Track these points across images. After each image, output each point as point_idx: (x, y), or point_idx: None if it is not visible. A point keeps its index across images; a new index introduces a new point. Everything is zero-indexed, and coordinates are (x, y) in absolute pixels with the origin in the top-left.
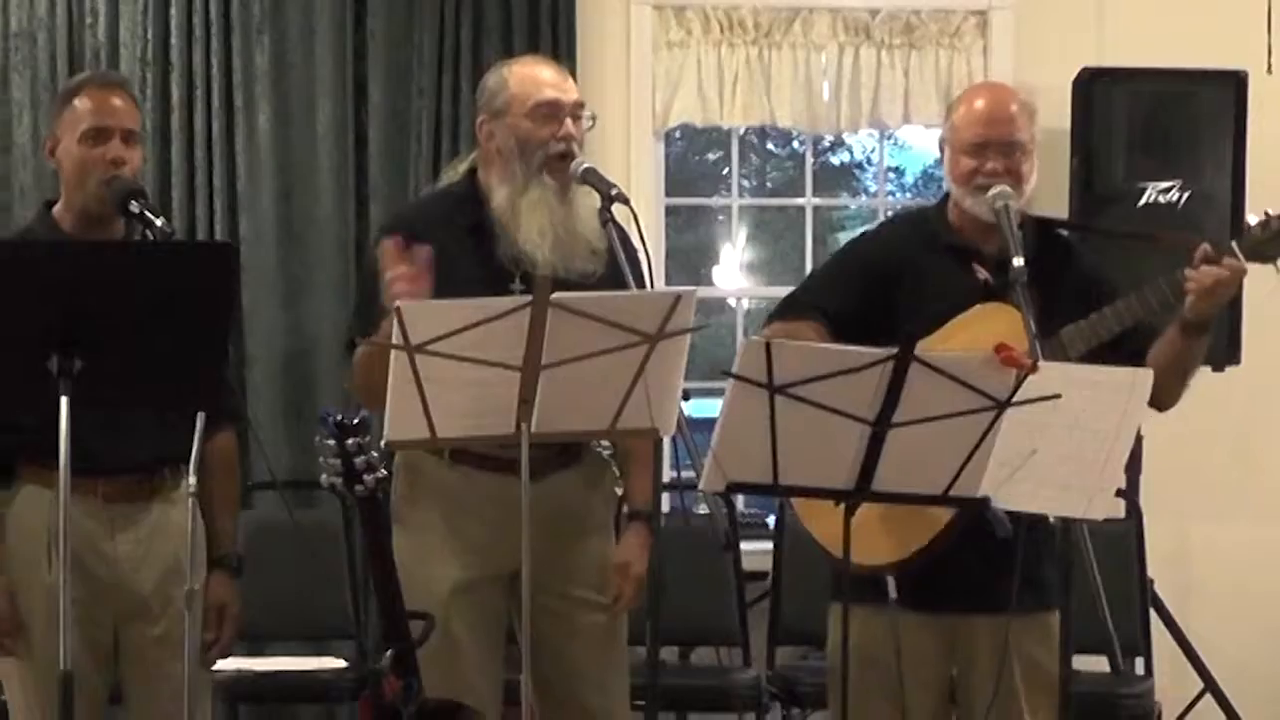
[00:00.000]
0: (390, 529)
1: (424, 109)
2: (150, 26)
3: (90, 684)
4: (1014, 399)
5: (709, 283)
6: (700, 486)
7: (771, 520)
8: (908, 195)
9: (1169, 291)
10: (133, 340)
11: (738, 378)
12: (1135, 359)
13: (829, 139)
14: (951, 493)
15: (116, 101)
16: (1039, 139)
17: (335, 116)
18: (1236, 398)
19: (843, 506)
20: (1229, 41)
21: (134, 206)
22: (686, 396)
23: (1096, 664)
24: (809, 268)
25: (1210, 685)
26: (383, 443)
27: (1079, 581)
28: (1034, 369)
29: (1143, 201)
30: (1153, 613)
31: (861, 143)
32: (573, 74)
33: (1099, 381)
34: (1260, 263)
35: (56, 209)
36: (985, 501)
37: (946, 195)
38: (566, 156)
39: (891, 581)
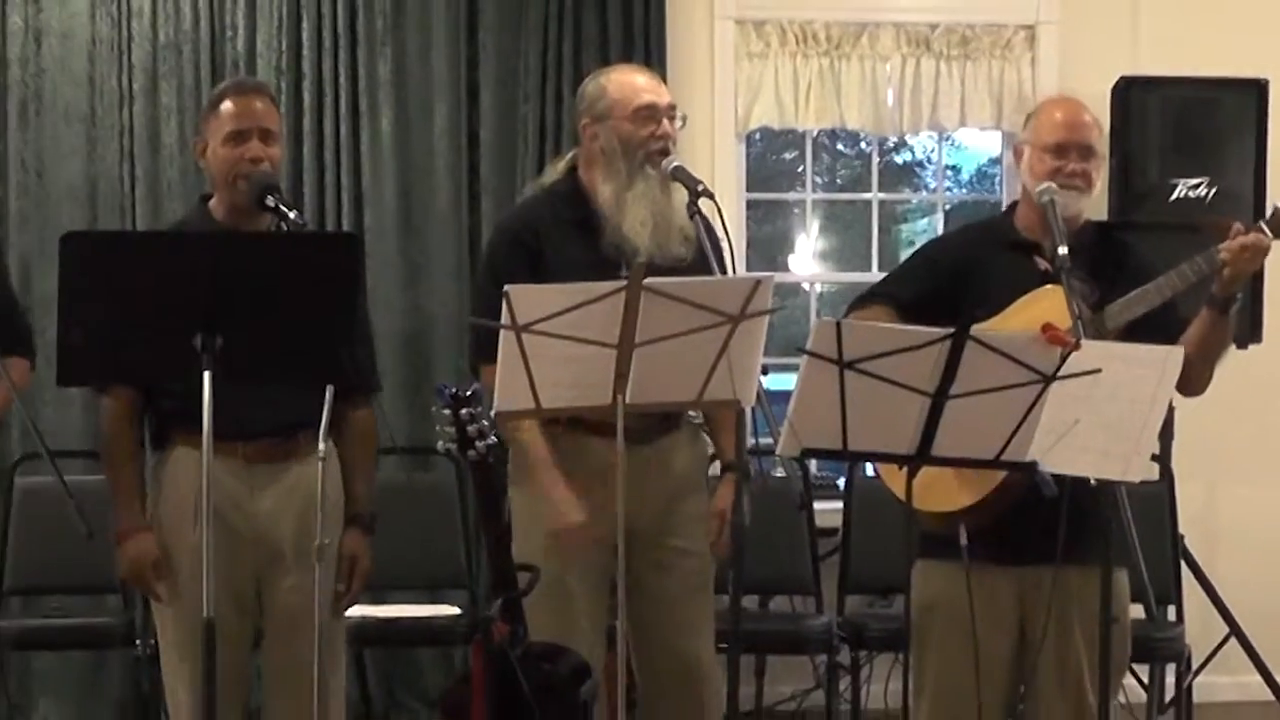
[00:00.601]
0: (500, 490)
1: (530, 112)
2: (284, 39)
3: (234, 630)
4: (1058, 373)
5: (785, 269)
6: (777, 451)
7: (841, 482)
8: (963, 190)
9: (1205, 265)
10: (268, 320)
11: (811, 354)
12: (1168, 341)
13: (893, 140)
14: (1003, 457)
15: (257, 105)
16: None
17: (450, 119)
18: (1258, 372)
19: (906, 470)
20: (1252, 52)
21: (270, 200)
22: (765, 371)
23: (1133, 611)
24: (874, 255)
25: (1234, 630)
26: (492, 413)
27: (1119, 538)
28: (1076, 346)
29: (1174, 196)
30: (1183, 565)
31: (922, 143)
32: (663, 81)
33: (1135, 358)
34: None
35: (211, 203)
36: (1033, 465)
37: (1012, 206)
38: (664, 153)
39: (963, 531)
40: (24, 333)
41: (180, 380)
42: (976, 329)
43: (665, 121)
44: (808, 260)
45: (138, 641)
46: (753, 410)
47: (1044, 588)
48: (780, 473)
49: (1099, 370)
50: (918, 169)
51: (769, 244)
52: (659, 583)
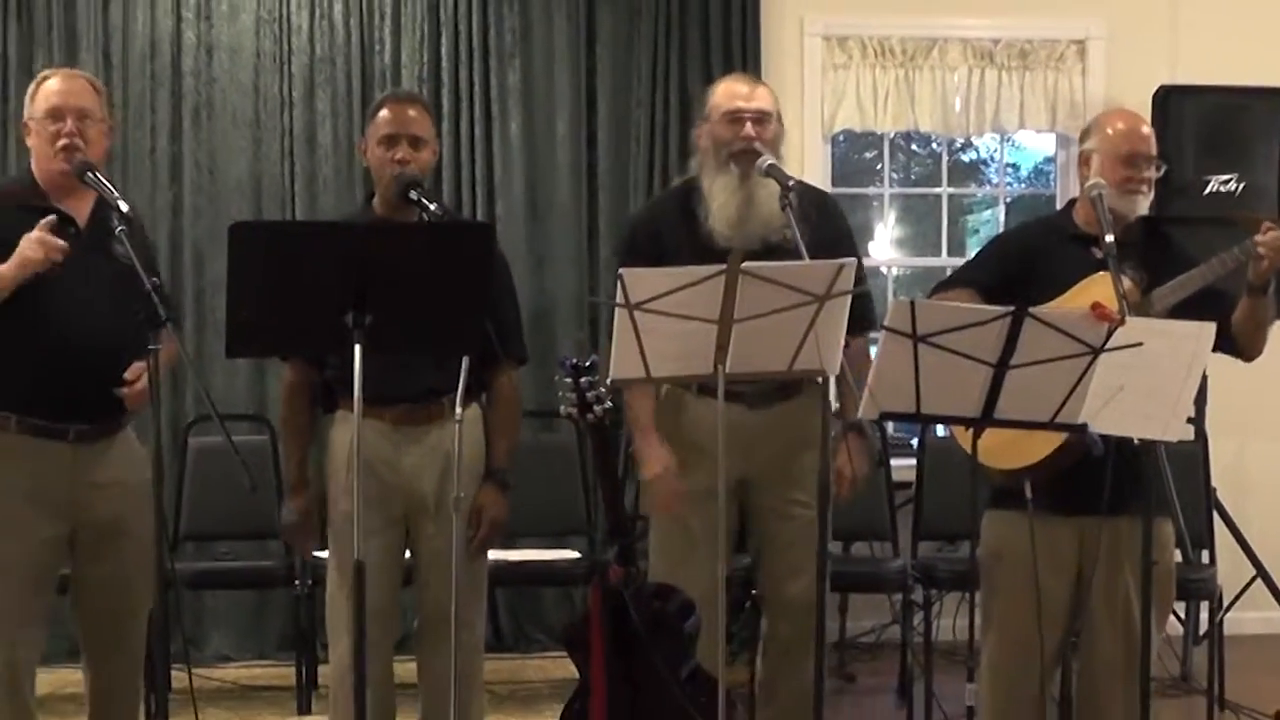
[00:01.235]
0: (614, 449)
1: (641, 117)
2: (425, 52)
3: (385, 570)
4: (1106, 346)
5: (866, 255)
6: (859, 415)
7: (915, 442)
8: (1021, 185)
9: (1240, 254)
10: (412, 300)
11: (888, 329)
12: (1211, 319)
13: (960, 141)
14: (1056, 420)
15: (410, 113)
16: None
17: (571, 123)
18: None
19: (972, 431)
20: (1278, 65)
21: (413, 195)
22: (848, 344)
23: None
24: (944, 243)
25: (1261, 571)
26: (608, 380)
27: (1159, 490)
28: (1122, 322)
29: (1207, 191)
30: (1215, 514)
31: (985, 144)
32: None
33: (1173, 332)
34: None
35: (374, 200)
36: (1083, 427)
37: (1070, 202)
38: (747, 153)
39: (1028, 485)
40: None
41: (334, 352)
42: (1034, 308)
43: (749, 124)
44: (885, 247)
45: (297, 581)
46: (838, 378)
47: (1099, 533)
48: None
49: (1141, 343)
50: (982, 166)
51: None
52: (780, 530)
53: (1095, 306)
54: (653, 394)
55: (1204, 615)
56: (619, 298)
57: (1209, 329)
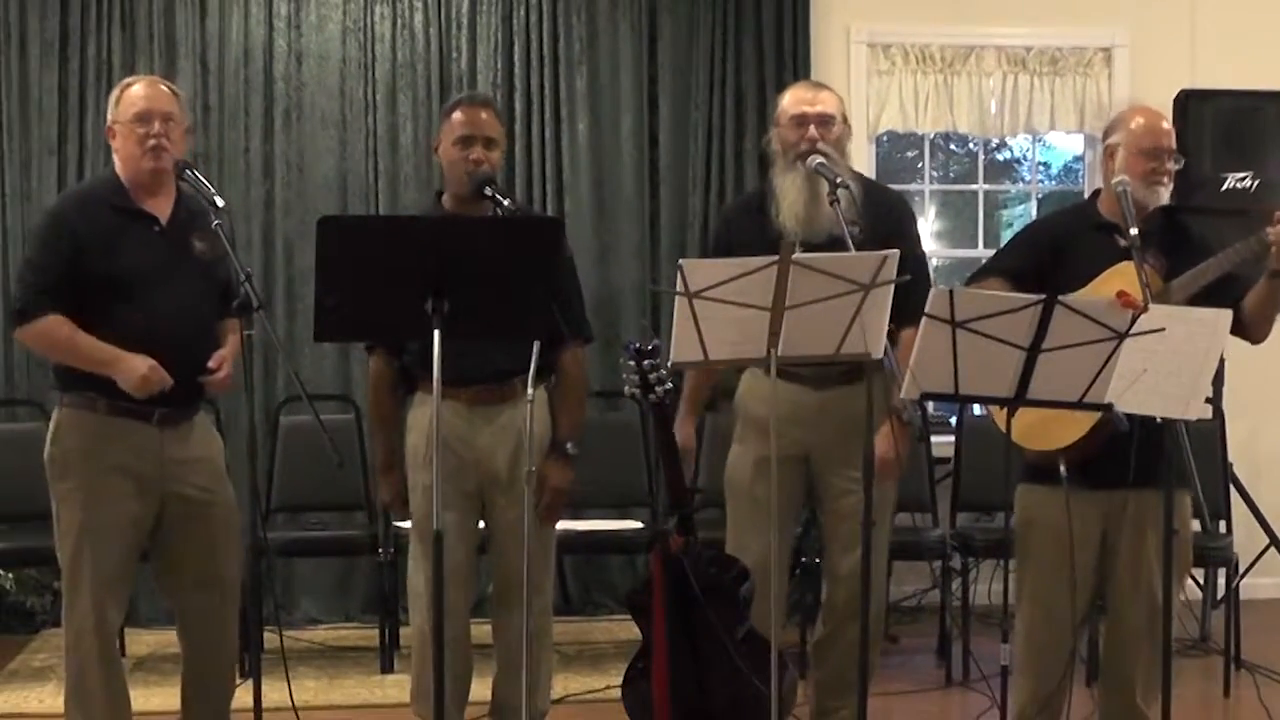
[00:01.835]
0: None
1: (700, 119)
2: (499, 59)
3: (462, 538)
4: (1130, 331)
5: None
6: (901, 394)
7: (953, 420)
8: (1052, 182)
9: (1256, 246)
10: (487, 288)
11: (928, 316)
12: (1224, 305)
13: (995, 141)
14: (1084, 400)
15: (483, 115)
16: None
17: (634, 124)
18: None
19: (1006, 410)
20: None
21: (488, 191)
22: (904, 333)
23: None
24: (980, 236)
25: (1274, 540)
26: (669, 364)
27: (1179, 465)
28: (1145, 309)
29: (1224, 187)
30: (1232, 487)
31: (1019, 144)
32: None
33: (1192, 318)
34: None
35: (444, 196)
36: (1109, 406)
37: (1095, 193)
38: (811, 153)
39: (1062, 464)
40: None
41: (415, 338)
42: (1063, 296)
43: (812, 127)
44: (926, 239)
45: (380, 550)
46: (882, 360)
47: (1123, 504)
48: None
49: (1163, 329)
50: (1015, 165)
51: None
52: (837, 505)
53: (1120, 294)
54: (707, 378)
55: (1221, 581)
56: (679, 287)
57: (1226, 315)
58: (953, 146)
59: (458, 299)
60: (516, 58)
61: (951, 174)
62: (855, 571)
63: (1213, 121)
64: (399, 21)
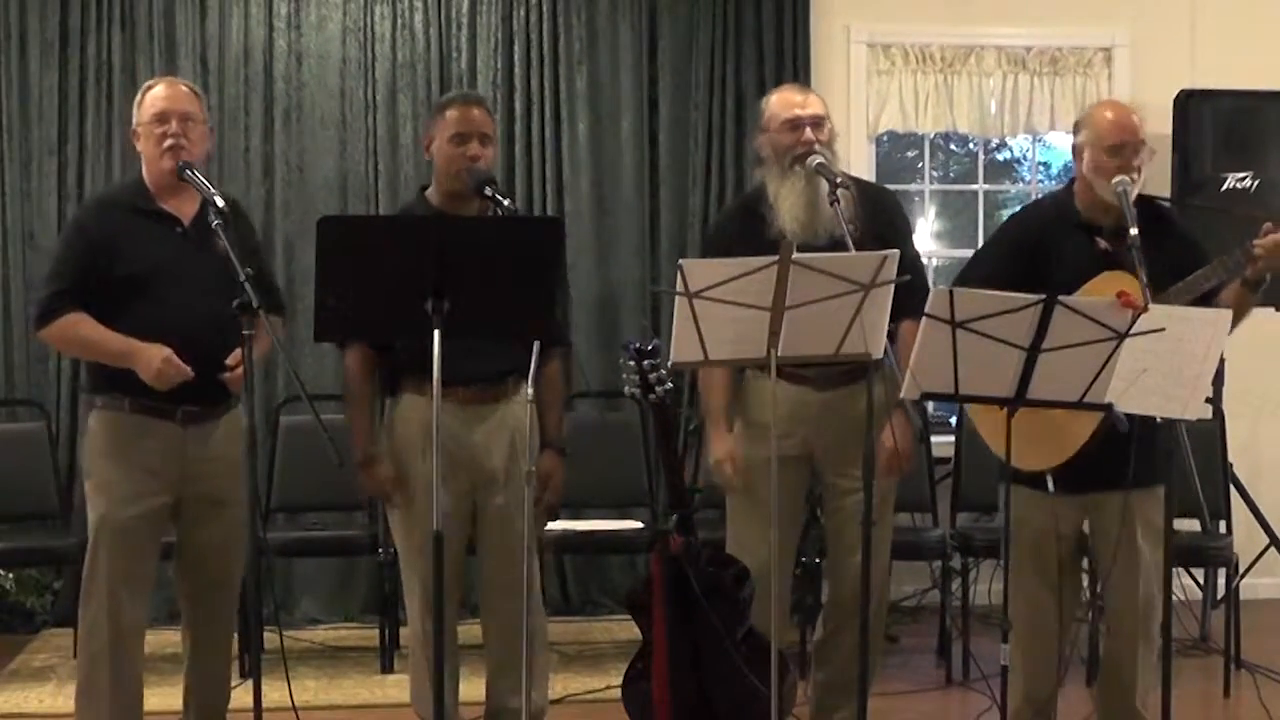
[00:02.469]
0: (675, 427)
1: (699, 119)
2: (499, 59)
3: (453, 539)
4: (1130, 331)
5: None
6: (901, 394)
7: (953, 420)
8: (1052, 182)
9: (1242, 256)
10: (486, 288)
11: (929, 316)
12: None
13: (995, 141)
14: (1084, 400)
15: (476, 113)
16: (1150, 144)
17: (634, 125)
18: None
19: (1005, 410)
20: None
21: (488, 190)
22: (902, 328)
23: (1190, 525)
24: (980, 235)
25: (1274, 541)
26: (669, 364)
27: (1178, 464)
28: (1145, 309)
29: (1224, 187)
30: (1232, 488)
31: (1019, 144)
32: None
33: (1192, 319)
34: None
35: (429, 191)
36: (1109, 406)
37: (1071, 182)
38: (808, 155)
39: (1050, 478)
40: (278, 295)
41: (413, 338)
42: (1063, 296)
43: (807, 129)
44: (925, 239)
45: (380, 550)
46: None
47: (1104, 507)
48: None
49: (1163, 329)
50: (1015, 164)
51: None
52: (840, 505)
53: (1120, 294)
54: (728, 385)
55: (1221, 581)
56: (679, 287)
57: (1226, 315)
58: (953, 146)
59: (458, 299)
60: (516, 58)
61: (951, 174)
62: (853, 572)
63: (1213, 121)
64: (399, 21)
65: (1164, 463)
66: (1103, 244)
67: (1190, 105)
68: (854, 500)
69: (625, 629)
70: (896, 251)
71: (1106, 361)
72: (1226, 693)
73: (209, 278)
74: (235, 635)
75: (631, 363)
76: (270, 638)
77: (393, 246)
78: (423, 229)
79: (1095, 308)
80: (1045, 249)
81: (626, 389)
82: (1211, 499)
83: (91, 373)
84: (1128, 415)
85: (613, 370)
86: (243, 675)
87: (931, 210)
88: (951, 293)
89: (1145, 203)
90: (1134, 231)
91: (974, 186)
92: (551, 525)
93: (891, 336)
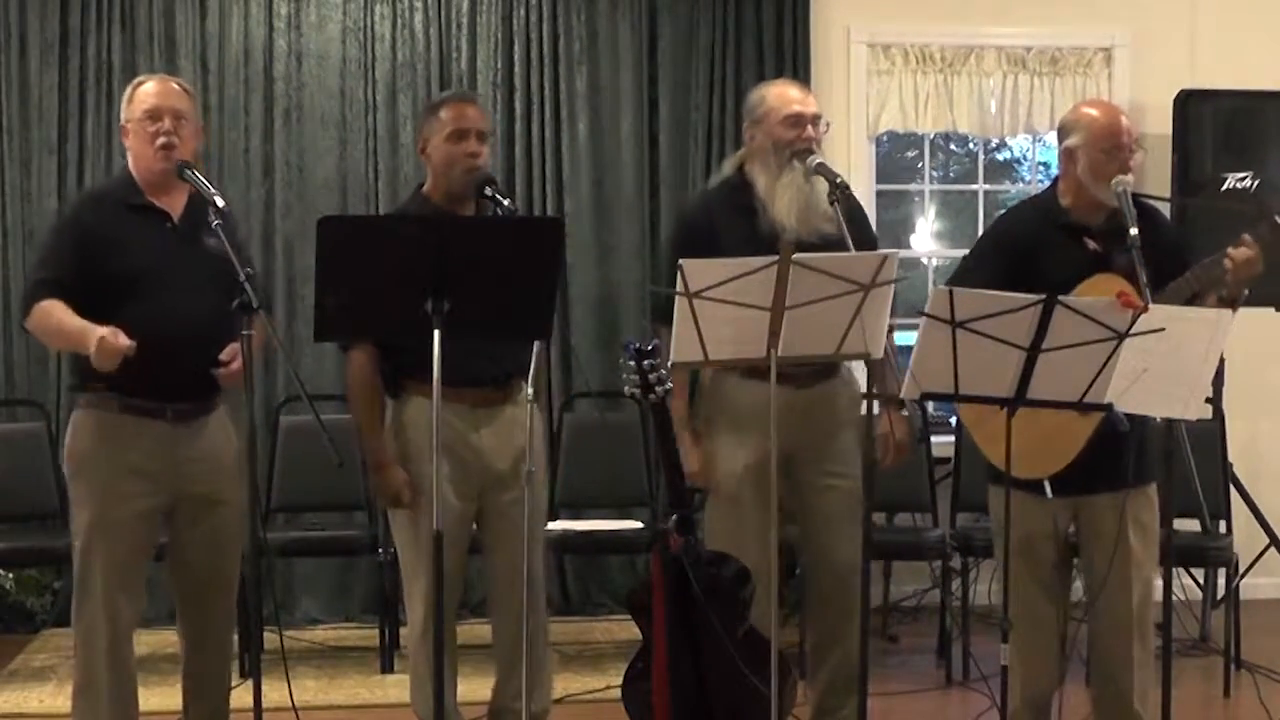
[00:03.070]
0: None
1: (700, 119)
2: (499, 59)
3: (457, 539)
4: (1130, 331)
5: (908, 247)
6: (901, 395)
7: (953, 420)
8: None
9: (1216, 269)
10: (487, 288)
11: (929, 316)
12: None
13: (995, 141)
14: (1084, 400)
15: (471, 111)
16: (1149, 143)
17: (634, 125)
18: None
19: (1004, 412)
20: None
21: (488, 190)
22: (891, 330)
23: (1191, 525)
24: (980, 236)
25: (1274, 541)
26: (669, 363)
27: (1179, 464)
28: (1145, 309)
29: (1224, 187)
30: (1231, 488)
31: (1019, 144)
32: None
33: (1192, 318)
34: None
35: (425, 190)
36: (1109, 406)
37: (1054, 182)
38: (808, 153)
39: (1048, 485)
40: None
41: (414, 337)
42: (1063, 296)
43: (809, 126)
44: (926, 239)
45: (380, 550)
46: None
47: (1095, 506)
48: (904, 413)
49: (1163, 329)
50: (1015, 164)
51: (894, 226)
52: (820, 503)
53: (1121, 294)
54: (685, 393)
55: (1221, 581)
56: (679, 287)
57: (1226, 315)
58: (953, 146)
59: (458, 299)
60: (516, 58)
61: (951, 174)
62: (847, 567)
63: (1213, 121)
64: (399, 21)
65: (1154, 461)
66: (1092, 245)
67: (1190, 105)
68: (834, 496)
69: (625, 629)
70: (897, 252)
71: (1106, 361)
72: (1226, 693)
73: (199, 274)
74: (235, 635)
75: (631, 363)
76: (270, 638)
77: (393, 246)
78: (423, 229)
79: (1095, 308)
80: (1032, 251)
81: (626, 389)
82: (1211, 499)
83: (78, 371)
84: (1128, 414)
85: (613, 370)
86: (243, 675)
87: (931, 210)
88: (951, 293)
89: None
90: (1134, 231)
91: (974, 186)
92: (551, 525)
93: None
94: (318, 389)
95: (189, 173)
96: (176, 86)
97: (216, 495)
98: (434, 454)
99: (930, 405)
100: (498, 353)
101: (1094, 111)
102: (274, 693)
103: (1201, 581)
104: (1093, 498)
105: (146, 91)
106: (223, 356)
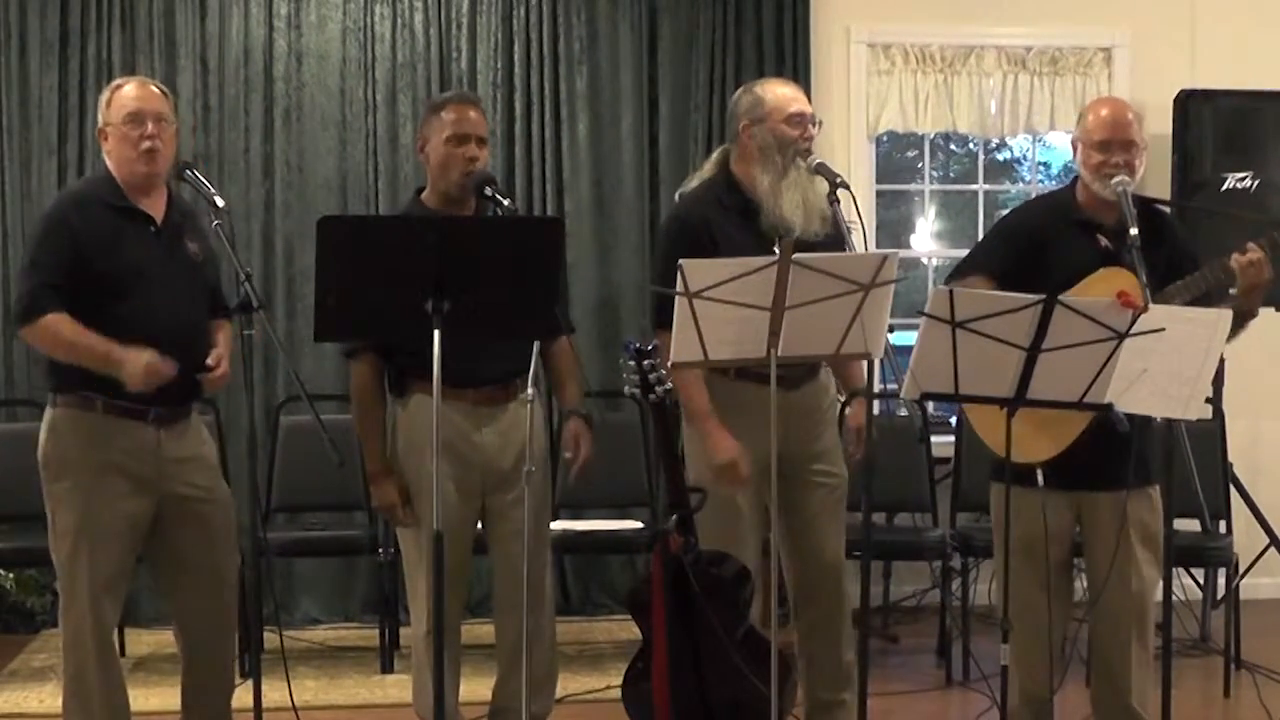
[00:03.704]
0: (675, 426)
1: (700, 119)
2: (499, 59)
3: (461, 538)
4: (1130, 331)
5: (908, 247)
6: (901, 395)
7: (953, 420)
8: (1052, 182)
9: (1221, 274)
10: (488, 288)
11: (929, 316)
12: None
13: (995, 141)
14: (1084, 400)
15: (472, 114)
16: (1149, 143)
17: (634, 125)
18: None
19: (1004, 410)
20: None
21: (488, 191)
22: (891, 330)
23: (1191, 525)
24: (980, 235)
25: (1274, 541)
26: (669, 364)
27: (1179, 464)
28: (1145, 309)
29: (1224, 188)
30: (1232, 488)
31: (1019, 143)
32: (807, 94)
33: (1192, 318)
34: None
35: (425, 193)
36: (1109, 406)
37: (1074, 180)
38: (809, 152)
39: (1040, 473)
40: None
41: (414, 337)
42: (1063, 296)
43: (809, 126)
44: (925, 239)
45: (380, 550)
46: (881, 361)
47: (1098, 507)
48: (903, 412)
49: (1163, 329)
50: (1015, 164)
51: (894, 226)
52: (805, 501)
53: (1121, 294)
54: (704, 382)
55: (1221, 581)
56: (679, 287)
57: (1226, 315)
58: (953, 146)
59: (458, 299)
60: (516, 58)
61: (951, 174)
62: (832, 563)
63: (1213, 121)
64: (399, 21)
65: (1158, 463)
66: (1104, 241)
67: (1190, 105)
68: (821, 494)
69: (625, 629)
70: (897, 252)
71: (1106, 361)
72: (1226, 693)
73: (182, 278)
74: (235, 635)
75: (631, 363)
76: (270, 638)
77: (393, 246)
78: (423, 229)
79: (1095, 308)
80: (1045, 243)
81: (626, 389)
82: (1211, 499)
83: (57, 371)
84: (1128, 416)
85: (613, 370)
86: (243, 675)
87: (931, 210)
88: (952, 293)
89: (1142, 204)
90: (1134, 231)
91: (974, 186)
92: (552, 525)
93: None
94: (317, 389)
95: (191, 173)
96: (156, 90)
97: (202, 494)
98: (434, 454)
99: (930, 405)
100: (500, 352)
101: (1100, 105)
102: (274, 693)
103: (1201, 581)
104: (1095, 497)
105: (126, 95)
106: (209, 361)
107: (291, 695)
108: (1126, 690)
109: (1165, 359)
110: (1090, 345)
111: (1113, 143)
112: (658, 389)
